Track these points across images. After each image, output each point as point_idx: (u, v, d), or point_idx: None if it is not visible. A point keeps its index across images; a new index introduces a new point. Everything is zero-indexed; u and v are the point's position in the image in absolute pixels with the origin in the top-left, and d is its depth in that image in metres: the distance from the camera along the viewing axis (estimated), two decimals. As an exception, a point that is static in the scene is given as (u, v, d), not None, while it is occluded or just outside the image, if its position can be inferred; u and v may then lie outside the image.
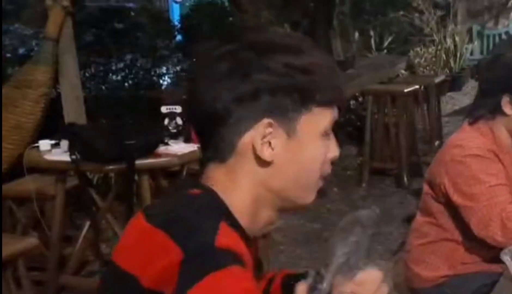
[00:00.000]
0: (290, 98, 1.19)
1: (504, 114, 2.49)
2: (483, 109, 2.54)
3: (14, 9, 7.11)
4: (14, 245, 3.40)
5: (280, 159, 1.20)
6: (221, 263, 1.07)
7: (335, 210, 5.71)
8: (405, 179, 6.04)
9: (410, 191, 5.78)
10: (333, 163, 1.28)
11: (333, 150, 1.26)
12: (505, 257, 2.07)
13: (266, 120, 1.18)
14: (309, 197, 1.26)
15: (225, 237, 1.11)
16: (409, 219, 2.84)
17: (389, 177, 6.30)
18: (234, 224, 1.18)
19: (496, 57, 2.65)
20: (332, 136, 1.26)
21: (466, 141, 2.52)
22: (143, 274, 1.12)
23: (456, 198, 2.47)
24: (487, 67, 2.70)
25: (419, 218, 2.72)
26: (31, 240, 3.56)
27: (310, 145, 1.22)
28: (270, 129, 1.19)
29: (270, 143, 1.19)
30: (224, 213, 1.18)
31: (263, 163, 1.20)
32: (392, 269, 3.34)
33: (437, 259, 2.62)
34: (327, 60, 1.25)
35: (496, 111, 2.50)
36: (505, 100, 2.48)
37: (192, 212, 1.15)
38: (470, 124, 2.55)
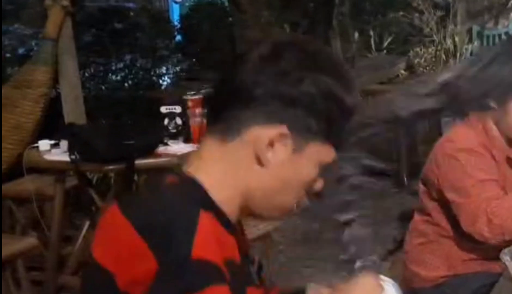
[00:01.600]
0: (317, 123, 1.20)
1: (492, 109, 2.51)
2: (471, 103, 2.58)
3: (13, 9, 7.11)
4: (14, 245, 3.40)
5: (275, 167, 1.21)
6: (195, 284, 1.06)
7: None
8: (405, 179, 6.04)
9: (409, 192, 5.77)
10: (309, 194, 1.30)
11: (319, 183, 1.29)
12: (505, 258, 2.08)
13: (283, 128, 1.19)
14: (274, 213, 1.29)
15: (203, 245, 1.08)
16: (409, 220, 2.85)
17: (388, 177, 6.30)
18: (215, 210, 1.18)
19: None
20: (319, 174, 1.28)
21: (458, 136, 2.54)
22: (119, 273, 1.10)
23: (447, 193, 2.49)
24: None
25: (416, 218, 2.73)
26: (31, 240, 3.56)
27: (307, 170, 1.24)
28: (282, 138, 1.20)
29: (274, 149, 1.20)
30: (203, 203, 1.16)
31: (258, 162, 1.21)
32: (390, 269, 3.34)
33: (436, 259, 2.62)
34: (360, 112, 1.27)
35: (485, 107, 2.52)
36: (492, 97, 2.49)
37: (168, 214, 1.12)
38: (463, 121, 2.57)
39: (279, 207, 1.27)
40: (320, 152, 1.23)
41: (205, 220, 1.12)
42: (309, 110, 1.19)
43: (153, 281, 1.06)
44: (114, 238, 1.15)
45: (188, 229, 1.09)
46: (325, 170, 1.27)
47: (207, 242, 1.10)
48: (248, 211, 1.26)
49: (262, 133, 1.19)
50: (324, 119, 1.20)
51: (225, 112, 1.22)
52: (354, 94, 1.25)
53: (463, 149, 2.47)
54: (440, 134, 3.10)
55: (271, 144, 1.20)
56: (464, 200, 2.42)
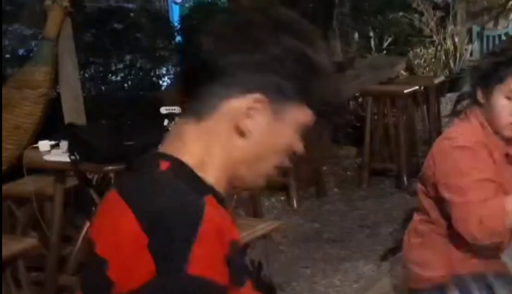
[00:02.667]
0: (290, 85, 1.20)
1: (481, 104, 2.52)
2: (465, 101, 2.60)
3: (13, 9, 7.10)
4: (14, 245, 3.41)
5: (257, 136, 1.20)
6: None
7: (335, 211, 5.71)
8: (405, 179, 6.04)
9: (409, 192, 5.78)
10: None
11: (299, 146, 1.28)
12: (505, 259, 2.08)
13: (259, 95, 1.18)
14: (258, 181, 1.27)
15: (201, 259, 1.07)
16: (409, 220, 2.85)
17: (388, 178, 6.30)
18: (213, 192, 1.18)
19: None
20: (301, 133, 1.27)
21: (455, 134, 2.55)
22: (113, 261, 1.11)
23: (441, 190, 2.50)
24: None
25: (415, 217, 2.74)
26: (31, 241, 3.57)
27: (287, 134, 1.23)
28: (259, 105, 1.19)
29: (252, 118, 1.19)
30: (204, 189, 1.16)
31: (238, 133, 1.20)
32: (390, 269, 3.34)
33: (435, 258, 2.62)
34: (336, 75, 1.28)
35: (476, 102, 2.54)
36: (479, 91, 2.53)
37: (170, 210, 1.10)
38: (461, 118, 2.58)
39: (263, 174, 1.26)
40: (299, 115, 1.23)
41: (209, 212, 1.11)
42: (280, 74, 1.19)
43: (147, 284, 1.06)
44: (113, 224, 1.14)
45: (187, 238, 1.07)
46: (304, 132, 1.26)
47: (206, 254, 1.08)
48: (233, 184, 1.25)
49: (237, 104, 1.18)
50: (297, 80, 1.20)
51: (197, 90, 1.21)
52: (322, 51, 1.24)
53: (460, 147, 2.48)
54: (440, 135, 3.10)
55: (248, 113, 1.19)
56: (457, 199, 2.43)
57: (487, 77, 2.50)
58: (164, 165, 1.19)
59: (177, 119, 1.28)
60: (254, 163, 1.23)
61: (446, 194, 2.48)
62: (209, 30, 1.23)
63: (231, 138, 1.20)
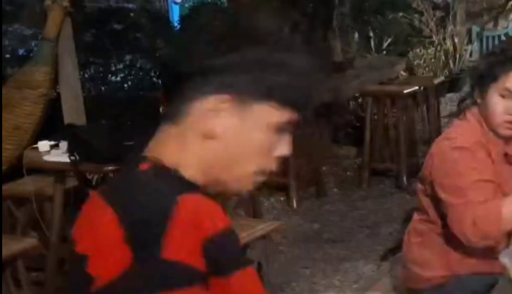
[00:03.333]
0: (255, 84, 1.19)
1: (478, 104, 2.55)
2: (465, 100, 2.62)
3: (13, 9, 7.10)
4: (14, 245, 3.40)
5: (225, 137, 1.21)
6: (164, 285, 1.08)
7: (335, 211, 5.71)
8: (405, 180, 6.04)
9: (409, 192, 5.78)
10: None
11: (282, 149, 1.25)
12: (504, 259, 2.08)
13: (224, 95, 1.19)
14: (241, 187, 1.25)
15: (174, 244, 1.09)
16: (409, 220, 2.85)
17: (388, 178, 6.30)
18: (193, 187, 1.19)
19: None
20: (286, 136, 1.25)
21: (455, 134, 2.56)
22: (93, 256, 1.13)
23: (438, 190, 2.50)
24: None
25: (415, 217, 2.74)
26: (31, 241, 3.56)
27: (258, 134, 1.21)
28: (225, 105, 1.19)
29: (218, 119, 1.20)
30: (186, 187, 1.18)
31: (208, 135, 1.21)
32: (390, 269, 3.34)
33: (434, 258, 2.63)
34: (312, 65, 1.24)
35: (474, 102, 2.56)
36: (476, 90, 2.55)
37: (144, 207, 1.14)
38: (460, 118, 2.59)
39: (247, 179, 1.24)
40: (267, 113, 1.21)
41: (183, 205, 1.13)
42: (244, 73, 1.19)
43: (124, 274, 1.08)
44: (93, 221, 1.18)
45: (161, 226, 1.10)
46: (283, 133, 1.24)
47: (180, 239, 1.10)
48: (219, 189, 1.25)
49: (203, 106, 1.20)
50: (261, 78, 1.19)
51: (172, 94, 1.24)
52: (292, 50, 1.23)
53: (458, 148, 2.48)
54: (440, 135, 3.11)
55: (215, 114, 1.20)
56: (453, 200, 2.44)
57: (483, 76, 2.52)
58: (144, 166, 1.22)
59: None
60: (232, 167, 1.22)
61: (442, 194, 2.49)
62: (180, 36, 1.27)
63: (202, 141, 1.21)
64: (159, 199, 1.15)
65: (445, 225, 2.55)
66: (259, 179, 1.25)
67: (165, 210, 1.12)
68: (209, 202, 1.18)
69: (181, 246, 1.10)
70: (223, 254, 1.16)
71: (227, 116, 1.20)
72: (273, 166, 1.25)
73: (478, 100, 2.53)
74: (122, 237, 1.11)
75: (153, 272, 1.09)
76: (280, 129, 1.23)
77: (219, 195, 1.26)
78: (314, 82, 1.24)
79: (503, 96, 2.46)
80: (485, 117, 2.51)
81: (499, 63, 2.48)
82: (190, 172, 1.21)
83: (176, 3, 10.85)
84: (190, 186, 1.19)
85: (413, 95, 6.54)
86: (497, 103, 2.46)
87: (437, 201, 2.55)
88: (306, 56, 1.24)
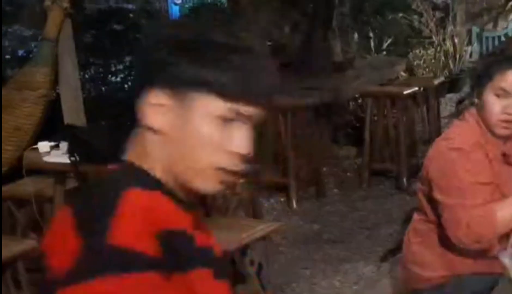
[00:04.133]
0: (193, 78, 1.18)
1: (476, 104, 2.56)
2: (463, 101, 2.63)
3: (13, 10, 7.10)
4: (14, 246, 3.40)
5: (171, 131, 1.20)
6: (110, 269, 1.08)
7: (335, 212, 5.71)
8: (405, 180, 6.04)
9: (409, 193, 5.78)
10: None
11: (237, 144, 1.22)
12: (504, 259, 2.08)
13: (165, 90, 1.19)
14: (204, 184, 1.23)
15: (121, 230, 1.10)
16: (409, 221, 2.85)
17: (388, 179, 6.30)
18: (161, 188, 1.20)
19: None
20: (241, 130, 1.22)
21: (453, 135, 2.57)
22: (50, 252, 1.16)
23: (434, 190, 2.51)
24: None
25: (415, 217, 2.75)
26: (31, 242, 3.56)
27: (203, 126, 1.19)
28: (164, 100, 1.20)
29: (158, 115, 1.20)
30: (139, 182, 1.19)
31: (156, 131, 1.21)
32: (389, 270, 3.35)
33: (434, 258, 2.63)
34: (250, 56, 1.21)
35: (473, 102, 2.57)
36: (474, 91, 2.57)
37: (94, 197, 1.18)
38: (460, 119, 2.60)
39: (200, 175, 1.22)
40: (209, 106, 1.19)
41: (132, 198, 1.14)
42: (182, 66, 1.19)
43: (76, 262, 1.09)
44: (55, 224, 1.21)
45: (108, 214, 1.12)
46: (237, 127, 1.21)
47: (127, 226, 1.11)
48: (187, 188, 1.24)
49: (144, 104, 1.21)
50: (199, 71, 1.18)
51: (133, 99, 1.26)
52: (220, 30, 1.21)
53: (455, 149, 2.48)
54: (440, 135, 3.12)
55: (157, 110, 1.20)
56: (448, 201, 2.45)
57: (480, 76, 2.53)
58: (113, 167, 1.25)
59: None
60: (186, 163, 1.21)
61: (438, 195, 2.49)
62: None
63: (154, 140, 1.22)
64: (108, 191, 1.18)
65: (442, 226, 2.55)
66: (225, 177, 1.22)
67: (112, 200, 1.14)
68: (162, 199, 1.20)
69: (130, 233, 1.11)
70: (181, 247, 1.17)
71: (169, 111, 1.20)
72: (234, 163, 1.22)
73: (476, 101, 2.54)
74: (73, 226, 1.13)
75: (100, 258, 1.09)
76: (228, 121, 1.20)
77: (192, 195, 1.26)
78: (254, 73, 1.20)
79: (498, 96, 2.47)
80: (483, 117, 2.51)
81: (494, 63, 2.49)
82: (158, 171, 1.22)
83: (176, 3, 10.85)
84: (147, 183, 1.20)
85: (413, 95, 6.55)
86: (493, 103, 2.47)
87: (435, 202, 2.56)
88: (244, 46, 1.21)
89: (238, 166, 1.23)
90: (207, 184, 1.23)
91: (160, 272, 1.11)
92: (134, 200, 1.15)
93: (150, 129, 1.21)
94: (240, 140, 1.22)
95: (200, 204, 1.38)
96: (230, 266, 1.40)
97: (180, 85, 1.19)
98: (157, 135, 1.21)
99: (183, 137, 1.20)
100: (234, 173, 1.23)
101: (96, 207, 1.16)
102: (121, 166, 1.26)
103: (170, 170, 1.22)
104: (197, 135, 1.20)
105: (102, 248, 1.09)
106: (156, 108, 1.20)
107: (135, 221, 1.12)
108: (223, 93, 1.18)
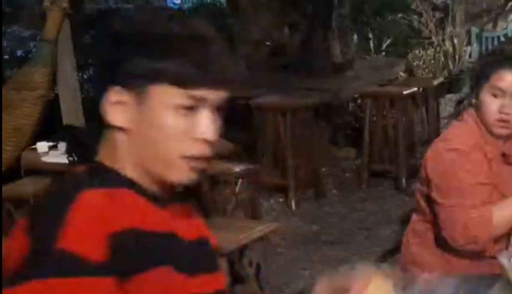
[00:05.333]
0: (146, 71, 1.19)
1: (474, 104, 2.55)
2: (462, 102, 2.63)
3: (12, 10, 7.10)
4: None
5: (135, 127, 1.21)
6: (57, 272, 1.08)
7: (334, 212, 5.70)
8: (404, 181, 6.04)
9: (408, 193, 5.78)
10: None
11: (202, 130, 1.22)
12: (503, 260, 2.07)
13: (116, 87, 1.20)
14: (176, 175, 1.23)
15: (70, 235, 1.10)
16: (408, 221, 2.85)
17: (387, 180, 6.30)
18: (130, 186, 1.21)
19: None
20: (203, 116, 1.22)
21: (451, 135, 2.57)
22: (5, 257, 1.15)
23: (432, 190, 2.51)
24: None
25: (414, 218, 2.75)
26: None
27: (164, 118, 1.20)
28: (119, 97, 1.20)
29: (121, 110, 1.21)
30: (93, 182, 1.19)
31: (121, 129, 1.22)
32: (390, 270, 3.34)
33: (433, 258, 2.62)
34: (206, 43, 1.21)
35: (472, 103, 2.57)
36: (473, 91, 2.56)
37: (47, 202, 1.19)
38: (459, 119, 2.59)
39: (170, 166, 1.22)
40: (166, 95, 1.19)
41: (84, 201, 1.14)
42: (133, 62, 1.19)
43: (23, 262, 1.10)
44: (16, 226, 1.20)
45: (57, 220, 1.11)
46: (199, 114, 1.21)
47: (75, 230, 1.11)
48: (161, 180, 1.24)
49: (106, 103, 1.22)
50: (148, 61, 1.19)
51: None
52: (168, 21, 1.22)
53: (454, 149, 2.48)
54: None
55: (117, 108, 1.21)
56: (445, 202, 2.45)
57: (478, 77, 2.53)
58: (80, 168, 1.27)
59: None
60: (154, 155, 1.22)
61: (436, 195, 2.49)
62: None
63: (119, 137, 1.23)
64: (62, 193, 1.18)
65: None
66: (195, 164, 1.23)
67: (64, 203, 1.13)
68: (126, 197, 1.20)
69: (77, 237, 1.11)
70: (137, 248, 1.16)
71: (130, 107, 1.20)
72: (201, 149, 1.22)
73: (474, 101, 2.54)
74: (25, 228, 1.14)
75: (47, 260, 1.09)
76: (190, 109, 1.20)
77: (169, 189, 1.26)
78: (206, 58, 1.20)
79: (495, 96, 2.47)
80: (481, 117, 2.51)
81: (491, 63, 2.50)
82: (129, 170, 1.23)
83: (175, 4, 10.85)
84: (110, 182, 1.20)
85: (412, 96, 6.55)
86: (490, 103, 2.47)
87: (432, 202, 2.56)
88: (193, 33, 1.21)
89: (206, 151, 1.23)
90: (179, 174, 1.23)
91: (106, 277, 1.11)
92: (86, 202, 1.14)
93: (116, 128, 1.22)
94: (204, 126, 1.22)
95: (194, 201, 1.37)
96: (215, 258, 1.39)
97: (136, 80, 1.19)
98: (122, 133, 1.22)
99: (148, 132, 1.21)
100: (203, 159, 1.23)
101: (47, 210, 1.16)
102: (87, 167, 1.27)
103: (141, 166, 1.23)
104: (160, 127, 1.20)
105: (48, 251, 1.09)
106: (117, 106, 1.21)
107: (84, 224, 1.12)
108: (179, 82, 1.19)
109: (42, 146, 3.89)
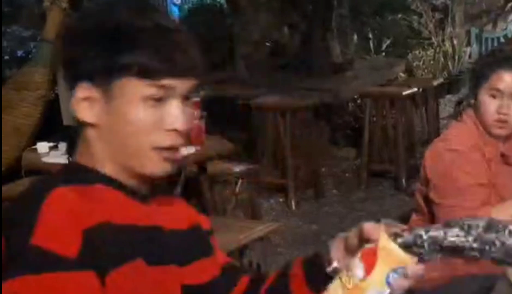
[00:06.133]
0: (108, 64, 1.19)
1: (473, 105, 2.56)
2: (462, 102, 2.63)
3: (12, 11, 7.10)
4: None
5: (103, 121, 1.21)
6: (32, 268, 1.09)
7: (333, 212, 5.70)
8: (403, 181, 6.04)
9: (408, 193, 5.78)
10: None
11: (171, 120, 1.21)
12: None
13: (82, 84, 1.21)
14: (150, 167, 1.23)
15: (44, 232, 1.10)
16: (408, 221, 2.85)
17: (387, 180, 6.30)
18: (107, 182, 1.21)
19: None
20: (172, 106, 1.22)
21: (450, 136, 2.57)
22: None
23: (430, 191, 2.51)
24: None
25: (413, 218, 2.75)
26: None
27: (130, 110, 1.20)
28: (87, 93, 1.21)
29: (89, 106, 1.21)
30: (66, 180, 1.19)
31: (91, 125, 1.22)
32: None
33: (433, 259, 2.63)
34: (164, 32, 1.21)
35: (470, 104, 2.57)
36: (472, 92, 2.56)
37: (20, 202, 1.19)
38: (458, 120, 2.60)
39: (142, 159, 1.22)
40: (131, 87, 1.19)
41: (56, 198, 1.14)
42: (88, 59, 1.20)
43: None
44: None
45: (30, 217, 1.12)
46: (168, 104, 1.21)
47: (49, 227, 1.11)
48: (138, 174, 1.24)
49: (74, 101, 1.22)
50: (110, 55, 1.19)
51: None
52: (125, 13, 1.22)
53: (453, 150, 2.49)
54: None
55: (84, 104, 1.21)
56: (443, 202, 2.45)
57: (476, 77, 2.54)
58: (56, 168, 1.27)
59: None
60: (126, 149, 1.22)
61: (434, 196, 2.50)
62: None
63: (91, 135, 1.23)
64: (34, 192, 1.18)
65: None
66: (168, 155, 1.23)
67: (36, 201, 1.14)
68: (101, 194, 1.20)
69: (53, 233, 1.11)
70: (109, 244, 1.16)
71: (97, 103, 1.21)
72: (172, 139, 1.22)
73: (472, 102, 2.54)
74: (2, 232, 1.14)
75: (21, 257, 1.09)
76: (157, 100, 1.20)
77: (148, 182, 1.26)
78: (167, 47, 1.20)
79: (493, 96, 2.47)
80: (479, 118, 2.52)
81: (489, 64, 2.50)
82: (106, 167, 1.23)
83: (175, 4, 10.85)
84: (83, 180, 1.20)
85: (412, 96, 6.55)
86: (488, 104, 2.48)
87: (430, 202, 2.56)
88: (151, 23, 1.21)
89: (178, 141, 1.23)
90: (152, 166, 1.23)
91: (84, 271, 1.11)
92: (58, 199, 1.14)
93: (86, 124, 1.22)
94: (173, 116, 1.22)
95: (179, 193, 1.38)
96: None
97: (101, 75, 1.19)
98: (93, 129, 1.22)
99: (117, 126, 1.21)
100: (175, 149, 1.23)
101: (20, 209, 1.17)
102: (63, 167, 1.27)
103: (116, 162, 1.23)
104: (129, 121, 1.20)
105: (22, 249, 1.09)
106: (85, 102, 1.21)
107: (58, 220, 1.12)
108: (143, 73, 1.18)
109: (42, 146, 3.88)
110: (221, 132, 4.63)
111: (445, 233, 1.16)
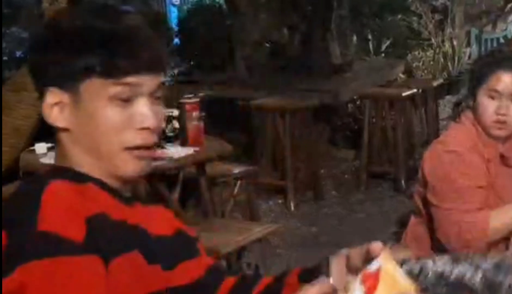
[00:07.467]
0: (72, 67, 1.19)
1: (471, 106, 2.55)
2: (460, 104, 2.63)
3: (11, 12, 7.10)
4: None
5: (73, 125, 1.22)
6: (39, 253, 1.08)
7: (333, 214, 5.70)
8: (403, 182, 6.03)
9: (407, 195, 5.77)
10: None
11: (140, 119, 1.21)
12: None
13: (52, 89, 1.21)
14: (124, 168, 1.23)
15: (48, 218, 1.11)
16: (407, 223, 2.85)
17: (386, 181, 6.29)
18: (94, 181, 1.21)
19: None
20: (140, 104, 1.22)
21: (449, 137, 2.57)
22: None
23: (428, 192, 2.51)
24: None
25: (412, 219, 2.74)
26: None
27: (97, 111, 1.20)
28: (56, 98, 1.21)
29: (59, 111, 1.22)
30: (64, 175, 1.19)
31: (62, 129, 1.23)
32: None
33: (431, 260, 2.62)
34: (127, 30, 1.21)
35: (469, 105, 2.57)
36: (470, 93, 2.56)
37: (16, 198, 1.19)
38: (457, 121, 2.59)
39: (115, 159, 1.22)
40: (95, 88, 1.19)
41: (54, 189, 1.15)
42: (54, 64, 1.20)
43: (4, 255, 1.09)
44: None
45: (31, 207, 1.12)
46: (136, 102, 1.21)
47: (53, 214, 1.12)
48: (116, 175, 1.24)
49: (45, 106, 1.23)
50: (73, 58, 1.19)
51: None
52: (84, 15, 1.22)
53: (451, 151, 2.48)
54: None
55: (54, 110, 1.22)
56: (441, 204, 2.45)
57: (475, 78, 2.53)
58: (45, 168, 1.28)
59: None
60: (99, 151, 1.22)
61: (432, 197, 2.49)
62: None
63: (65, 139, 1.23)
64: (30, 188, 1.19)
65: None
66: (140, 154, 1.23)
67: (35, 193, 1.14)
68: (88, 188, 1.20)
69: (58, 218, 1.11)
70: (107, 233, 1.17)
71: (66, 107, 1.21)
72: (142, 138, 1.22)
73: (471, 103, 2.53)
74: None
75: (30, 244, 1.09)
76: (125, 100, 1.20)
77: (126, 182, 1.26)
78: (128, 44, 1.20)
79: (492, 97, 2.47)
80: (478, 119, 2.51)
81: (487, 64, 2.50)
82: (85, 168, 1.23)
83: (174, 4, 10.86)
84: (70, 177, 1.20)
85: (411, 97, 6.54)
86: (487, 105, 2.47)
87: (428, 203, 2.56)
88: (112, 23, 1.21)
89: (148, 140, 1.23)
90: (125, 166, 1.23)
91: (92, 255, 1.12)
92: (57, 189, 1.15)
93: (59, 129, 1.23)
94: (142, 114, 1.22)
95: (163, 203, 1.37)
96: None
97: (66, 79, 1.20)
98: (66, 134, 1.23)
99: (87, 129, 1.21)
100: (147, 148, 1.23)
101: (19, 202, 1.17)
102: (51, 168, 1.27)
103: (92, 164, 1.23)
104: (98, 122, 1.20)
105: (29, 236, 1.09)
106: (56, 107, 1.21)
107: (61, 207, 1.13)
108: (106, 73, 1.19)
109: (40, 147, 3.87)
110: (221, 133, 4.62)
111: (452, 268, 1.13)
